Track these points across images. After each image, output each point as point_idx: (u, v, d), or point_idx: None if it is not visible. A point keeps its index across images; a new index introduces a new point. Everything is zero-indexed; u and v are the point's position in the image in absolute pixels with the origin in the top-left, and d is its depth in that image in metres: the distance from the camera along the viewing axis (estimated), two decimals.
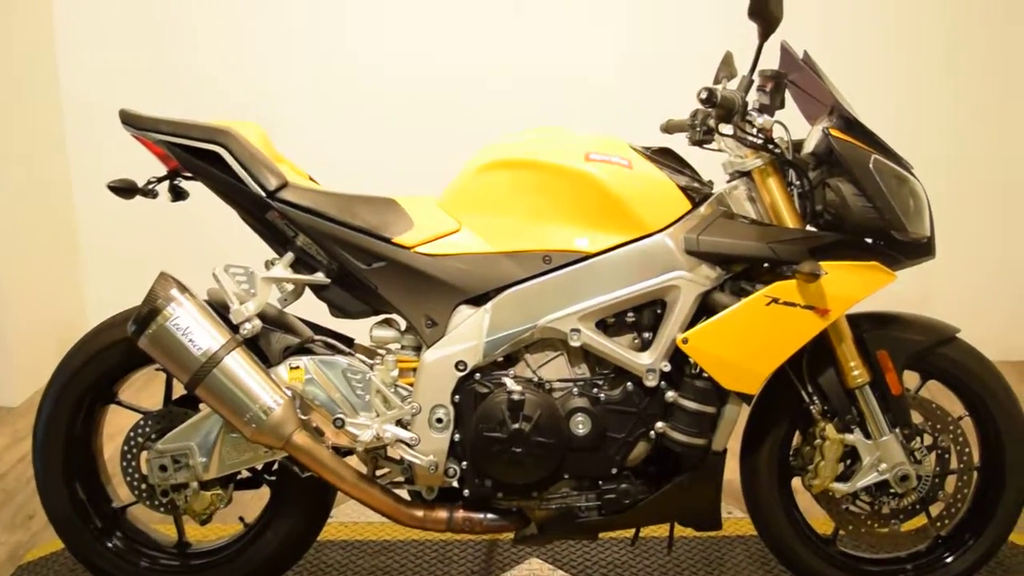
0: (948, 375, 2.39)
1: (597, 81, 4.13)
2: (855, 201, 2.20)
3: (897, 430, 2.33)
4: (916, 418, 2.38)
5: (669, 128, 2.51)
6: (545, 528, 2.35)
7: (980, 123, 4.12)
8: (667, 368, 2.22)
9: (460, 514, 2.33)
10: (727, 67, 2.41)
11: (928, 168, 2.47)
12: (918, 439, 2.37)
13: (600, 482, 2.30)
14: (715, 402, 2.24)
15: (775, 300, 2.16)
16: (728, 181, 2.34)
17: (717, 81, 2.38)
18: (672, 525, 2.44)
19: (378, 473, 2.39)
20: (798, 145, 2.34)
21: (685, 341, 2.18)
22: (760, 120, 2.15)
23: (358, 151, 4.21)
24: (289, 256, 2.31)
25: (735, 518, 2.84)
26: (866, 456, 2.34)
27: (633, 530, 2.42)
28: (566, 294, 2.23)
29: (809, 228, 2.28)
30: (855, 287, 2.20)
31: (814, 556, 2.44)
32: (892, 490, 2.35)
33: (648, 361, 2.22)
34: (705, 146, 2.39)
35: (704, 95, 2.10)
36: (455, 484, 2.30)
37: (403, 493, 2.37)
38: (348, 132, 4.22)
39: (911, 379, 2.40)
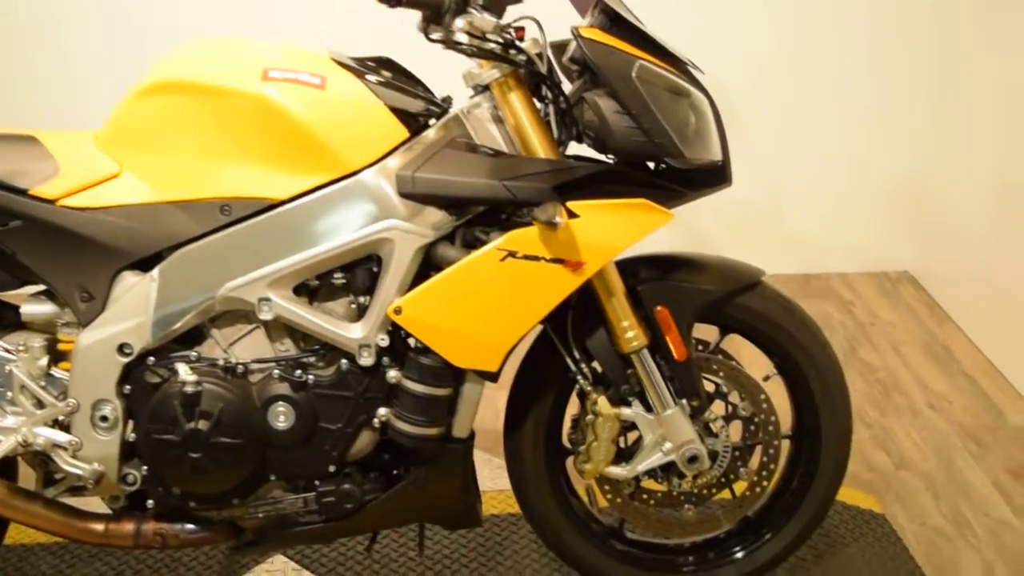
0: (750, 328, 1.95)
1: None
2: (617, 120, 1.72)
3: (684, 401, 1.89)
4: (717, 379, 1.96)
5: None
6: (263, 537, 1.91)
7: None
8: (384, 342, 1.75)
9: (151, 526, 1.88)
10: None
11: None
12: (713, 408, 1.95)
13: (317, 482, 1.85)
14: (448, 382, 1.78)
15: (512, 254, 1.69)
16: (471, 97, 1.84)
17: None
18: (422, 524, 2.01)
19: (57, 477, 1.92)
20: (562, 48, 1.84)
21: (398, 311, 1.71)
22: (479, 18, 1.63)
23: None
24: None
25: None
26: (648, 433, 1.91)
27: None
28: (251, 254, 1.73)
29: (571, 157, 1.80)
30: (617, 233, 1.73)
31: (595, 551, 2.03)
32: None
33: (359, 335, 1.75)
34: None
35: None
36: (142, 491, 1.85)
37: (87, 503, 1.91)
38: None
39: (712, 332, 1.97)
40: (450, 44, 1.66)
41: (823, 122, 3.42)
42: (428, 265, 1.75)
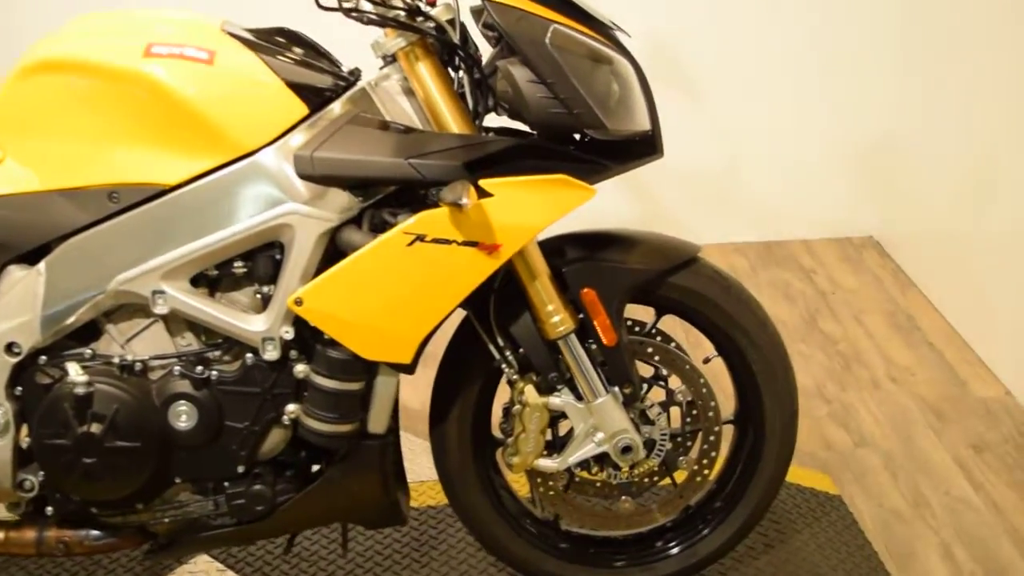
0: (686, 308, 1.83)
1: None
2: (532, 90, 1.59)
3: (616, 388, 1.78)
4: (654, 363, 1.85)
5: None
6: (175, 541, 1.80)
7: None
8: (289, 335, 1.63)
9: (53, 533, 1.77)
10: None
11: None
12: (651, 394, 1.85)
13: (226, 484, 1.75)
14: (359, 376, 1.67)
15: (420, 237, 1.57)
16: (381, 68, 1.72)
17: None
18: (344, 523, 1.91)
19: None
20: (481, 13, 1.72)
21: (299, 302, 1.59)
22: None
23: None
24: None
25: None
26: (579, 423, 1.80)
27: None
28: (142, 243, 1.61)
29: (493, 130, 1.69)
30: (535, 211, 1.61)
31: (529, 546, 1.92)
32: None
33: (261, 328, 1.63)
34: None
35: None
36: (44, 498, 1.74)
37: None
38: None
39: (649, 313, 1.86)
40: (344, 11, 1.53)
41: (785, 86, 3.29)
42: (335, 251, 1.64)
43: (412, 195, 1.64)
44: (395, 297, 1.59)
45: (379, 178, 1.58)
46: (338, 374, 1.65)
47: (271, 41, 1.69)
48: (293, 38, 1.73)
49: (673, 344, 1.89)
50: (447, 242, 1.57)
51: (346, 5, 1.54)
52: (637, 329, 1.88)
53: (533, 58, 1.57)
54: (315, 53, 1.73)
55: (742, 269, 3.24)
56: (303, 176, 1.57)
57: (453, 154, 1.56)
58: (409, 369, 1.67)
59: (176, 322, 1.68)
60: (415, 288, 1.60)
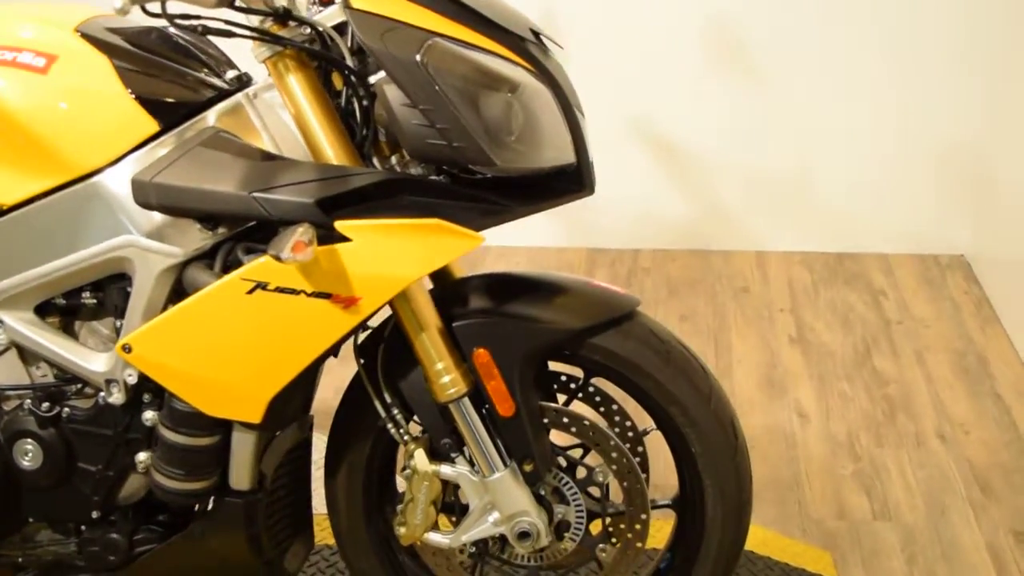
0: (614, 374, 1.55)
1: None
2: (406, 115, 1.34)
3: (514, 463, 1.53)
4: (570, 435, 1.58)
5: None
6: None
7: None
8: (132, 378, 1.46)
9: None
10: None
11: None
12: (565, 470, 1.58)
13: (83, 528, 1.60)
14: (209, 430, 1.48)
15: (261, 285, 1.35)
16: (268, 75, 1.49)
17: None
18: None
19: None
20: None
21: (127, 348, 1.40)
22: None
23: None
24: None
25: None
26: (474, 498, 1.55)
27: None
28: None
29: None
30: (403, 261, 1.36)
31: None
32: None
33: (102, 368, 1.46)
34: None
35: None
36: None
37: None
38: None
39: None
40: (169, 18, 1.29)
41: (867, 81, 2.87)
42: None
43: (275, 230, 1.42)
44: (235, 350, 1.39)
45: (222, 212, 1.36)
46: (182, 428, 1.46)
47: (139, 43, 1.48)
48: (163, 39, 1.52)
49: (615, 406, 1.62)
50: (293, 292, 1.35)
51: (174, 11, 1.30)
52: (573, 385, 1.61)
53: (402, 80, 1.32)
54: (194, 57, 1.52)
55: (802, 285, 2.87)
56: (141, 204, 1.38)
57: (305, 189, 1.33)
58: (262, 428, 1.47)
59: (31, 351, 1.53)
60: (257, 342, 1.38)
